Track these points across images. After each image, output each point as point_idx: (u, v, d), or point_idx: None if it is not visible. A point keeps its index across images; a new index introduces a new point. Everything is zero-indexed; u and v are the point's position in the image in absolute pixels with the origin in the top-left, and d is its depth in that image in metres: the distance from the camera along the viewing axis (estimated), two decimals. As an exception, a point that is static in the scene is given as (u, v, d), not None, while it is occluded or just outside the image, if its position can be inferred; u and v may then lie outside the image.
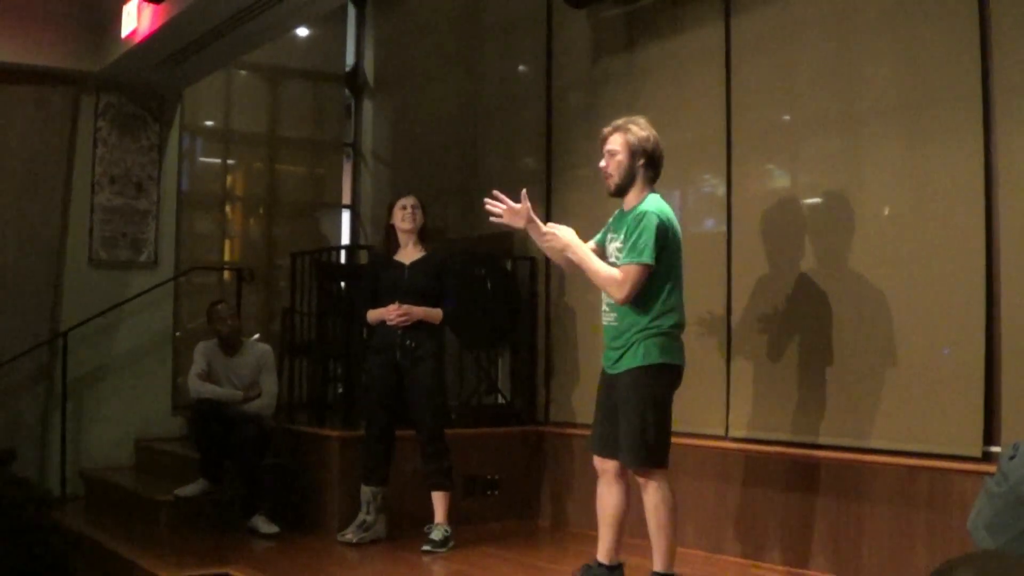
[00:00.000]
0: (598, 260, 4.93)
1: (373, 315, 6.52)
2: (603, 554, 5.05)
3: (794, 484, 5.73)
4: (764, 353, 6.03)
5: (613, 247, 4.97)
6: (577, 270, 5.07)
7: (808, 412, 5.76)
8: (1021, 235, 4.92)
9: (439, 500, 6.37)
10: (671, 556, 4.88)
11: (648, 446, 4.80)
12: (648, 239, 4.77)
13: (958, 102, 5.14)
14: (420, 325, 6.42)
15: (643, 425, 4.80)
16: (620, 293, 4.80)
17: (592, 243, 5.14)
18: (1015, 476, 3.44)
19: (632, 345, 4.84)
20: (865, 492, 5.38)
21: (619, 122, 4.99)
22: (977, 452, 4.96)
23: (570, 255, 4.96)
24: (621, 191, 4.99)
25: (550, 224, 5.11)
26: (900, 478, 5.22)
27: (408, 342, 6.41)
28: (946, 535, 4.92)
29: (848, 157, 5.73)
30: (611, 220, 5.12)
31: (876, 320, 5.48)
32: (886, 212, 5.58)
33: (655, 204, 4.89)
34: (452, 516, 6.39)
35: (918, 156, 5.37)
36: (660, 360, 4.84)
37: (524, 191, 5.06)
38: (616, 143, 4.94)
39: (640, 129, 4.92)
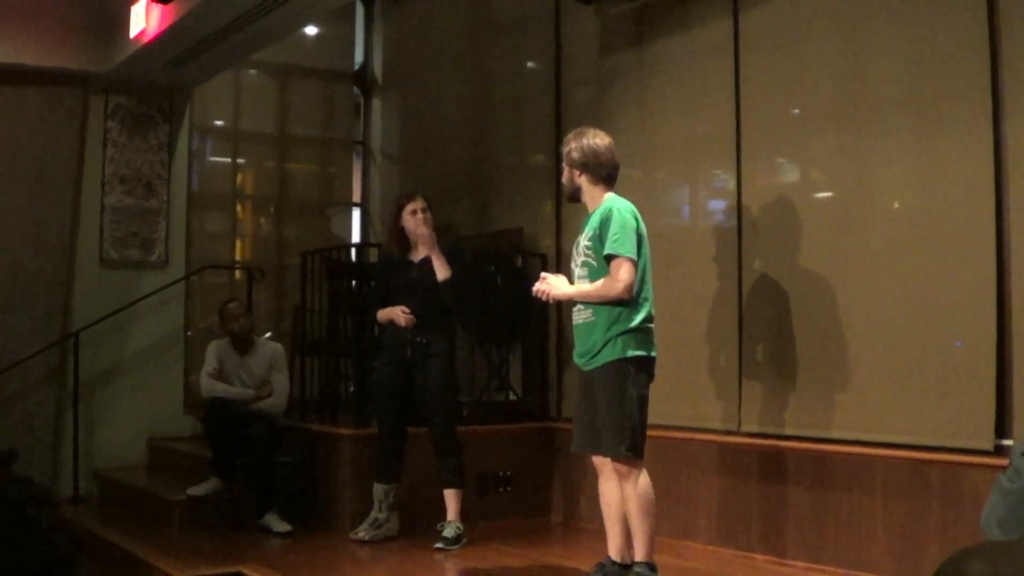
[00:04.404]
0: (585, 285, 5.06)
1: (383, 314, 6.52)
2: (615, 552, 5.05)
3: (806, 478, 5.73)
4: (775, 348, 6.03)
5: (582, 245, 5.10)
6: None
7: (820, 406, 5.75)
8: (1032, 227, 4.91)
9: (451, 497, 6.37)
10: (652, 544, 4.97)
11: (630, 437, 4.89)
12: (625, 234, 4.92)
13: (967, 95, 5.12)
14: (430, 323, 6.42)
15: (623, 416, 4.89)
16: (620, 287, 4.89)
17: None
18: (1028, 470, 3.42)
19: (611, 340, 4.93)
20: (877, 486, 5.37)
21: (568, 136, 5.28)
22: (989, 446, 4.95)
23: (571, 297, 5.12)
24: (571, 198, 5.29)
25: (544, 276, 5.25)
26: (912, 472, 5.21)
27: (419, 339, 6.41)
28: (958, 529, 4.92)
29: (857, 151, 5.71)
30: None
31: (887, 314, 5.47)
32: (896, 206, 5.57)
33: (618, 202, 5.06)
34: (465, 513, 6.40)
35: (928, 150, 5.35)
36: (638, 352, 4.94)
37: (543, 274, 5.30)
38: (563, 158, 5.25)
39: (576, 140, 5.19)
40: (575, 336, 5.13)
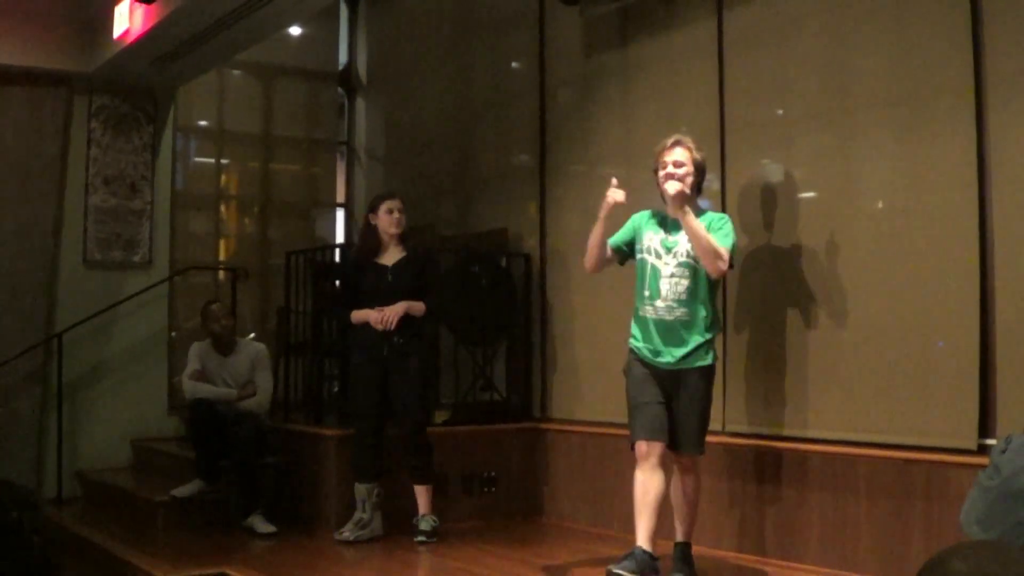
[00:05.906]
0: (702, 230, 5.08)
1: (357, 316, 6.50)
2: (644, 540, 4.97)
3: (790, 478, 5.74)
4: (759, 347, 6.03)
5: (684, 246, 5.14)
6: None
7: (804, 406, 5.76)
8: (1015, 227, 4.92)
9: (423, 493, 6.42)
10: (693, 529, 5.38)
11: (705, 435, 5.26)
12: (732, 238, 5.17)
13: (951, 95, 5.14)
14: (407, 323, 6.42)
15: (707, 417, 5.25)
16: (719, 266, 5.07)
17: (611, 245, 5.36)
18: (1007, 469, 3.44)
19: (705, 343, 5.15)
20: (862, 486, 5.38)
21: (679, 137, 5.25)
22: (973, 445, 4.96)
23: (686, 215, 5.07)
24: (681, 198, 5.15)
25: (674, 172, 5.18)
26: (896, 471, 5.22)
27: (396, 340, 6.41)
28: (942, 528, 4.92)
29: (841, 151, 5.72)
30: (653, 219, 5.32)
31: (871, 313, 5.48)
32: (879, 205, 5.59)
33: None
34: (451, 513, 6.41)
35: (911, 149, 5.37)
36: (715, 359, 5.24)
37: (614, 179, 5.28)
38: (684, 156, 5.19)
39: (697, 149, 5.26)
40: (656, 331, 5.15)
